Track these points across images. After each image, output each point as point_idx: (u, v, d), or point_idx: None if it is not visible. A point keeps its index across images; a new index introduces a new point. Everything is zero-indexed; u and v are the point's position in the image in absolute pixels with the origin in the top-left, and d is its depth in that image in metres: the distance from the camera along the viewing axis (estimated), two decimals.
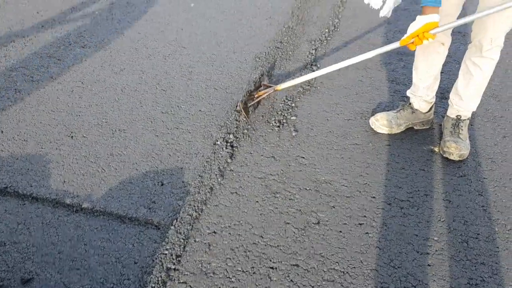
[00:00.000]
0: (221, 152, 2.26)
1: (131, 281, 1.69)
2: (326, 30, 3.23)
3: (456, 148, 2.18)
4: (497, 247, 1.81)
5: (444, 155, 2.23)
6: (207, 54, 2.99)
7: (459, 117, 2.26)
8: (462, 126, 2.25)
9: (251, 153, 2.26)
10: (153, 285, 1.67)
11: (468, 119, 2.28)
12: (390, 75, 2.77)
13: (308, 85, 2.69)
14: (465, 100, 2.21)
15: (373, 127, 2.37)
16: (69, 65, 2.87)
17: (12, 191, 2.04)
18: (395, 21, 3.32)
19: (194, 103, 2.57)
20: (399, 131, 2.36)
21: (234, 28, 3.26)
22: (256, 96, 2.46)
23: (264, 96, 2.45)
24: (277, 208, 1.98)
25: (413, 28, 1.85)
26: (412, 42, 1.88)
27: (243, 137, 2.36)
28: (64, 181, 2.09)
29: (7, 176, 2.10)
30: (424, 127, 2.40)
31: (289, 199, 2.02)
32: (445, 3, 1.88)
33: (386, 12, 2.01)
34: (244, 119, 2.41)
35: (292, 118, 2.46)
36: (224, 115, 2.48)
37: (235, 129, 2.40)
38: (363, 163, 2.20)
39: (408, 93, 2.35)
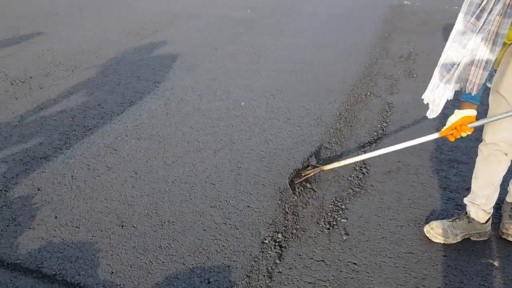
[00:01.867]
0: (269, 252, 2.21)
1: None
2: (375, 133, 3.27)
3: None
4: None
5: (502, 236, 2.27)
6: (256, 150, 3.05)
7: None
8: None
9: (300, 255, 2.19)
10: None
11: None
12: (442, 181, 2.73)
13: (359, 187, 2.67)
14: None
15: (428, 235, 2.28)
16: (124, 156, 2.98)
17: (60, 279, 2.03)
18: (442, 126, 3.33)
19: (243, 199, 2.58)
20: (455, 241, 2.26)
21: (283, 127, 3.36)
22: (303, 174, 2.61)
23: (311, 174, 2.61)
24: None
25: (451, 121, 1.96)
26: (451, 134, 1.98)
27: (292, 237, 2.31)
28: (112, 272, 2.07)
29: (56, 263, 2.11)
30: (481, 239, 2.29)
31: None
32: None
33: (435, 114, 2.03)
34: (291, 195, 2.55)
35: (342, 220, 2.41)
36: (273, 213, 2.47)
37: (284, 228, 2.36)
38: (419, 274, 2.08)
39: (466, 200, 2.29)
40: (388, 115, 3.55)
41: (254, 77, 4.29)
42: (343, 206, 2.52)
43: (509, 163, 2.11)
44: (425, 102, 2.00)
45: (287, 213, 2.48)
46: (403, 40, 5.48)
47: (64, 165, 2.87)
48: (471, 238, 2.28)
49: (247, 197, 2.61)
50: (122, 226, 2.36)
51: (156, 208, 2.50)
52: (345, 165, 2.54)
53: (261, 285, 2.02)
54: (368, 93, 3.95)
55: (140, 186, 2.69)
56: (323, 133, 3.29)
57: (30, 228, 2.33)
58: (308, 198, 2.58)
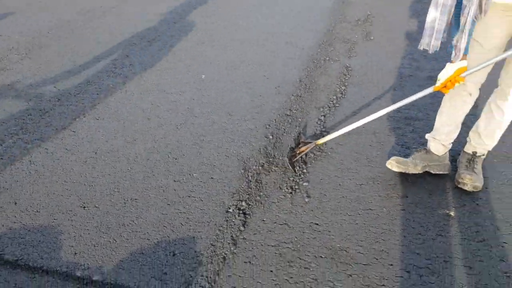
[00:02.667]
0: (233, 220, 2.23)
1: None
2: (334, 97, 3.30)
3: (470, 179, 2.30)
4: None
5: (458, 186, 2.35)
6: (218, 123, 3.05)
7: (475, 153, 2.41)
8: (477, 161, 2.40)
9: (264, 220, 2.23)
10: None
11: (483, 155, 2.42)
12: (399, 139, 2.79)
13: (319, 151, 2.71)
14: (483, 139, 2.34)
15: (389, 166, 2.42)
16: (83, 137, 2.93)
17: (23, 264, 2.01)
18: (401, 87, 3.40)
19: (206, 171, 2.59)
20: (415, 171, 2.40)
21: (244, 97, 3.35)
22: (298, 152, 2.61)
23: (306, 151, 2.61)
24: (292, 277, 1.92)
25: (446, 74, 2.02)
26: (445, 87, 2.05)
27: (256, 204, 2.34)
28: (75, 253, 2.06)
29: (18, 249, 2.08)
30: (440, 172, 2.43)
31: (305, 267, 1.96)
32: (491, 38, 1.97)
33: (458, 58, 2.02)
34: (292, 173, 2.53)
35: (304, 184, 2.45)
36: (236, 182, 2.49)
37: (247, 196, 2.39)
38: (378, 229, 2.15)
39: (427, 136, 2.45)
40: (347, 78, 3.59)
41: (213, 50, 4.23)
42: (305, 170, 2.56)
43: (472, 104, 2.22)
44: (421, 48, 2.01)
45: (250, 181, 2.50)
46: (360, 3, 5.48)
47: (22, 150, 2.80)
48: (431, 171, 2.42)
49: (210, 169, 2.61)
50: (84, 207, 2.34)
51: (118, 186, 2.48)
52: (339, 136, 2.54)
53: (226, 252, 2.05)
54: (327, 58, 3.96)
55: (100, 166, 2.66)
56: (284, 101, 3.30)
57: None
58: (271, 166, 2.61)
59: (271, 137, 2.86)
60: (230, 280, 1.91)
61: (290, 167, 2.51)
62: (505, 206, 2.26)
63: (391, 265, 1.96)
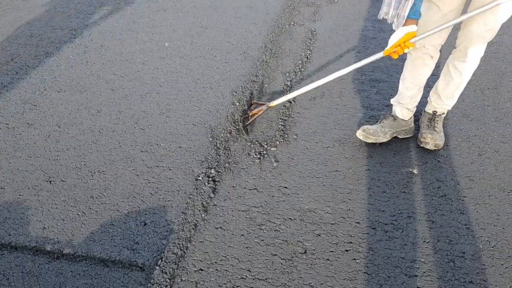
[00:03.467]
0: (203, 188, 2.25)
1: None
2: (300, 62, 3.30)
3: (432, 138, 2.38)
4: (484, 265, 1.83)
5: (420, 145, 2.42)
6: (184, 91, 3.01)
7: (435, 112, 2.47)
8: (437, 120, 2.46)
9: (233, 186, 2.25)
10: None
11: (443, 114, 2.48)
12: (364, 101, 2.84)
13: (286, 116, 2.73)
14: (443, 99, 2.40)
15: (361, 138, 2.45)
16: (45, 110, 2.85)
17: None
18: (364, 49, 3.43)
19: (174, 140, 2.57)
20: (385, 139, 2.46)
21: (210, 65, 3.31)
22: (251, 114, 2.60)
23: (259, 114, 2.59)
24: (263, 240, 1.96)
25: (395, 38, 2.00)
26: (395, 51, 2.03)
27: (225, 171, 2.35)
28: (44, 228, 2.04)
29: None
30: (407, 136, 2.51)
31: (274, 230, 2.01)
32: (449, 1, 1.98)
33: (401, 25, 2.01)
34: (245, 137, 2.55)
35: (272, 149, 2.48)
36: (205, 150, 2.49)
37: (216, 163, 2.40)
38: (344, 189, 2.21)
39: (392, 101, 2.51)
40: (312, 42, 3.58)
41: (176, 16, 4.13)
42: (272, 134, 2.58)
43: (433, 67, 2.27)
44: (380, 17, 2.00)
45: (219, 148, 2.51)
46: None
47: None
48: (399, 136, 2.49)
49: (178, 138, 2.60)
50: (50, 181, 2.30)
51: (84, 159, 2.45)
52: (292, 98, 2.54)
53: (197, 219, 2.07)
54: (292, 23, 3.93)
55: (65, 139, 2.60)
56: (250, 66, 3.28)
57: None
58: (238, 133, 2.61)
59: (237, 104, 2.85)
60: (202, 246, 1.94)
61: (243, 131, 2.52)
62: (464, 162, 2.36)
63: (358, 223, 2.03)
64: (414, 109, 2.49)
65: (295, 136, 2.57)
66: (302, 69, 3.21)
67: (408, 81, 2.35)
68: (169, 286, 1.77)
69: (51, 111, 2.84)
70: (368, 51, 3.40)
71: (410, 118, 2.49)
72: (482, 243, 1.92)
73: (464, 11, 2.00)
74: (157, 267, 1.84)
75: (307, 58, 3.36)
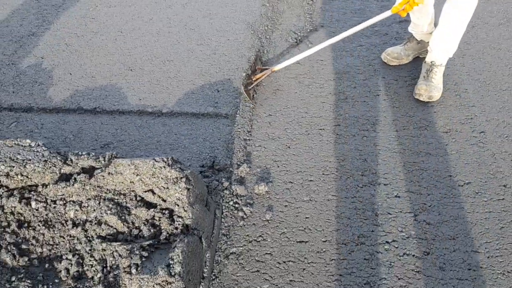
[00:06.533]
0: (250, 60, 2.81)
1: (220, 151, 2.25)
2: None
3: (426, 90, 2.42)
4: None
5: (415, 97, 2.47)
6: (217, 1, 3.50)
7: (433, 62, 2.45)
8: (436, 71, 2.44)
9: (279, 61, 2.82)
10: (237, 151, 2.24)
11: (442, 65, 2.46)
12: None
13: (311, 11, 3.26)
14: (440, 45, 2.40)
15: (385, 61, 2.71)
16: (104, 21, 3.32)
17: (101, 110, 2.55)
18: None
19: (222, 35, 3.10)
20: (408, 61, 2.71)
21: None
22: (254, 79, 2.62)
23: (263, 78, 2.64)
24: (312, 94, 2.57)
25: None
26: (403, 9, 2.10)
27: (271, 51, 2.91)
28: (140, 99, 2.61)
29: (92, 101, 2.60)
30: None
31: (319, 87, 2.61)
32: None
33: None
34: (248, 100, 2.54)
35: (305, 35, 3.03)
36: (249, 40, 3.02)
37: (262, 48, 2.96)
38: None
39: (410, 29, 2.65)
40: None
41: None
42: (303, 26, 3.12)
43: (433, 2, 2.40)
44: None
45: (261, 38, 3.05)
46: None
47: (55, 37, 3.19)
48: (420, 56, 2.73)
49: (225, 33, 3.13)
50: (131, 69, 2.84)
51: (153, 53, 2.97)
52: (296, 62, 2.66)
53: (256, 89, 2.65)
54: None
55: (130, 41, 3.11)
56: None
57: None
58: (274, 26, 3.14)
59: (267, 4, 3.37)
60: (266, 102, 2.54)
61: (246, 95, 2.50)
62: None
63: None
64: (433, 29, 2.52)
65: (321, 26, 3.12)
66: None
67: (416, 11, 2.38)
68: (250, 125, 2.39)
69: (109, 22, 3.33)
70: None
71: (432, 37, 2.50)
72: None
73: None
74: (238, 115, 2.44)
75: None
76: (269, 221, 1.95)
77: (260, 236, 1.90)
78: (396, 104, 2.49)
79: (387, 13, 2.24)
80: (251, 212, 1.98)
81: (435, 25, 2.50)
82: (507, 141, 2.26)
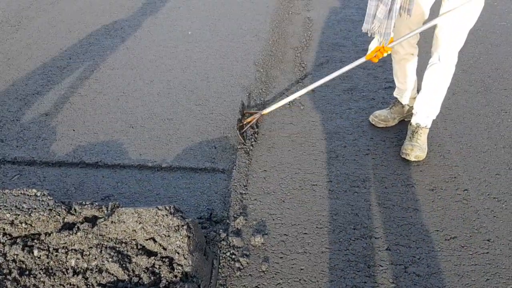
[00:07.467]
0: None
1: (217, 204, 2.34)
2: (304, 40, 4.09)
3: (412, 150, 2.57)
4: None
5: (402, 156, 2.62)
6: (215, 65, 3.73)
7: (418, 124, 2.62)
8: (420, 133, 2.60)
9: (270, 131, 2.99)
10: (234, 204, 2.33)
11: (426, 127, 2.62)
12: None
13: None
14: (423, 108, 2.57)
15: (373, 123, 2.90)
16: (107, 82, 3.51)
17: (102, 164, 2.65)
18: (355, 30, 4.25)
19: (219, 97, 3.29)
20: (394, 123, 2.89)
21: (230, 45, 4.04)
22: (245, 123, 2.78)
23: (253, 122, 2.79)
24: (305, 152, 2.71)
25: (374, 44, 2.32)
26: (376, 56, 2.28)
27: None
28: (140, 154, 2.73)
29: (94, 155, 2.71)
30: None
31: (312, 146, 2.76)
32: (417, 6, 2.23)
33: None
34: (241, 144, 2.72)
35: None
36: (245, 102, 3.21)
37: (256, 108, 3.14)
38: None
39: (395, 94, 2.87)
40: (310, 26, 4.39)
41: (191, 12, 4.85)
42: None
43: (417, 58, 2.62)
44: (364, 30, 2.23)
45: (255, 99, 3.24)
46: None
47: (59, 96, 3.34)
48: (405, 120, 2.90)
49: (221, 95, 3.32)
50: (132, 127, 2.98)
51: (153, 112, 3.13)
52: (283, 105, 2.85)
53: (252, 144, 2.79)
54: (290, 12, 4.74)
55: (132, 100, 3.28)
56: (263, 45, 4.04)
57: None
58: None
59: (261, 70, 3.61)
60: (261, 158, 2.67)
61: (240, 138, 2.67)
62: None
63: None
64: (416, 94, 2.70)
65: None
66: (307, 45, 4.00)
67: (401, 78, 2.65)
68: (246, 179, 2.50)
69: (112, 83, 3.52)
70: (357, 30, 4.23)
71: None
72: None
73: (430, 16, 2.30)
74: (234, 170, 2.56)
75: (309, 37, 4.16)
76: (265, 272, 2.00)
77: (256, 286, 1.95)
78: (385, 163, 2.63)
79: (361, 60, 2.42)
80: (247, 263, 2.04)
81: (418, 90, 2.71)
82: (489, 198, 2.38)
